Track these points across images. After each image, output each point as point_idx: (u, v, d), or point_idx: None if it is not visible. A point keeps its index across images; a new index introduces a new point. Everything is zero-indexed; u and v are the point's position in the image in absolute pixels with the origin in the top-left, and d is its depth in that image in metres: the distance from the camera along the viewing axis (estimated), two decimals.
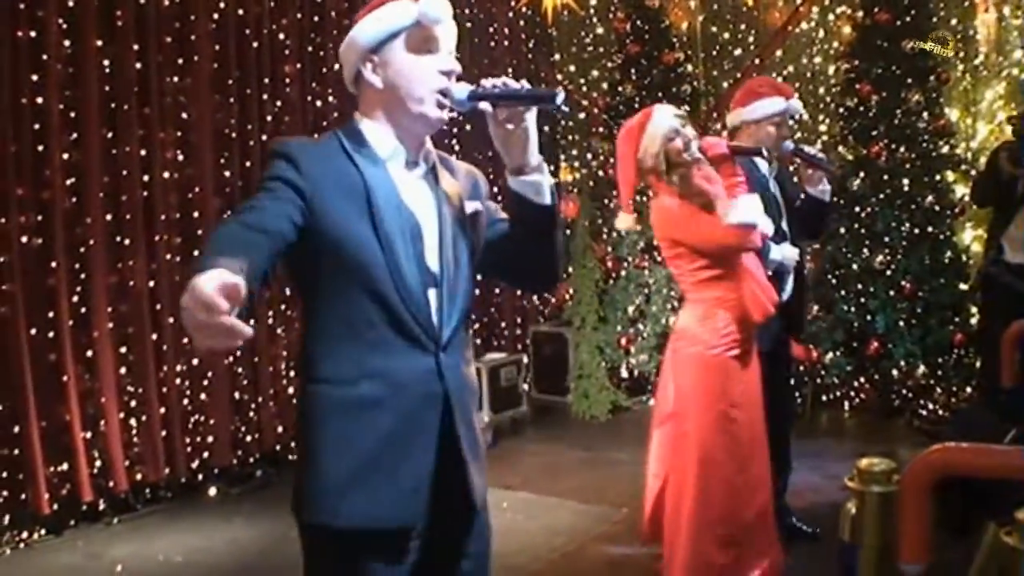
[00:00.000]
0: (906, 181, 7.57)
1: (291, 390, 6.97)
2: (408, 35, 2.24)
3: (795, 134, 8.80)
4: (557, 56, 10.12)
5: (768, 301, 4.03)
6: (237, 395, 6.61)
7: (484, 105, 2.20)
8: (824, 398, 7.75)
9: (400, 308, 2.19)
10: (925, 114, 7.66)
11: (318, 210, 2.15)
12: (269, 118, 6.84)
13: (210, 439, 6.39)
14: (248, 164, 6.67)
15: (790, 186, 4.91)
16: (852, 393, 7.68)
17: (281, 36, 6.98)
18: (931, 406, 7.14)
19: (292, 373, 7.00)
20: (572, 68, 10.07)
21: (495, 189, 2.58)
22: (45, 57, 5.50)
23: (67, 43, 5.67)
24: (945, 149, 7.73)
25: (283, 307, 6.93)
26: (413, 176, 2.32)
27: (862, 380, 7.61)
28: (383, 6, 2.28)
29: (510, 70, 9.01)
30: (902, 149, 7.61)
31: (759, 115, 4.69)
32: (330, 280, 2.20)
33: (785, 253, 4.53)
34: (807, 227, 4.89)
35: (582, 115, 9.59)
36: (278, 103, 6.95)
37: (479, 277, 2.48)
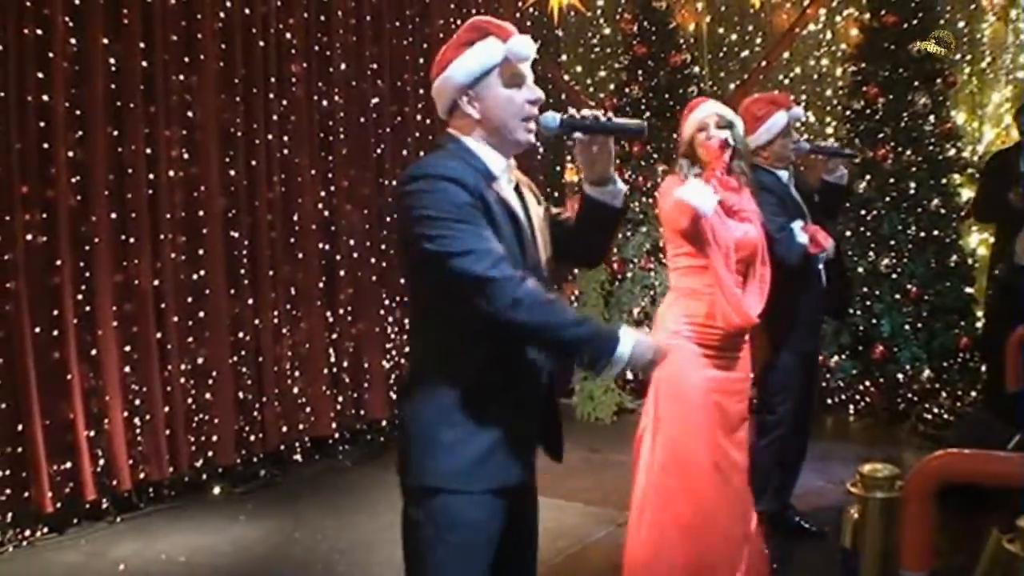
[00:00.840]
0: (912, 184, 7.58)
1: (295, 390, 6.98)
2: (500, 71, 2.48)
3: (802, 136, 8.82)
4: (564, 57, 10.13)
5: (735, 312, 3.96)
6: (241, 394, 6.60)
7: (577, 135, 2.53)
8: (829, 401, 7.74)
9: None
10: (932, 117, 7.68)
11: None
12: (275, 117, 6.84)
13: (214, 438, 6.39)
14: (253, 163, 6.67)
15: (803, 184, 5.01)
16: (857, 396, 7.68)
17: (288, 35, 6.98)
18: (936, 410, 7.11)
19: (297, 373, 7.01)
20: (578, 69, 10.09)
21: None
22: (51, 55, 5.49)
23: (73, 41, 5.66)
24: (951, 152, 7.74)
25: (288, 307, 6.93)
26: (511, 189, 2.56)
27: (867, 383, 7.61)
28: (473, 45, 2.49)
29: None
30: (908, 152, 7.62)
31: (768, 137, 4.77)
32: None
33: (828, 247, 4.67)
34: (828, 210, 5.09)
35: None
36: (284, 103, 6.95)
37: None
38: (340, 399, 7.36)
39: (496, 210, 2.41)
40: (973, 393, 7.27)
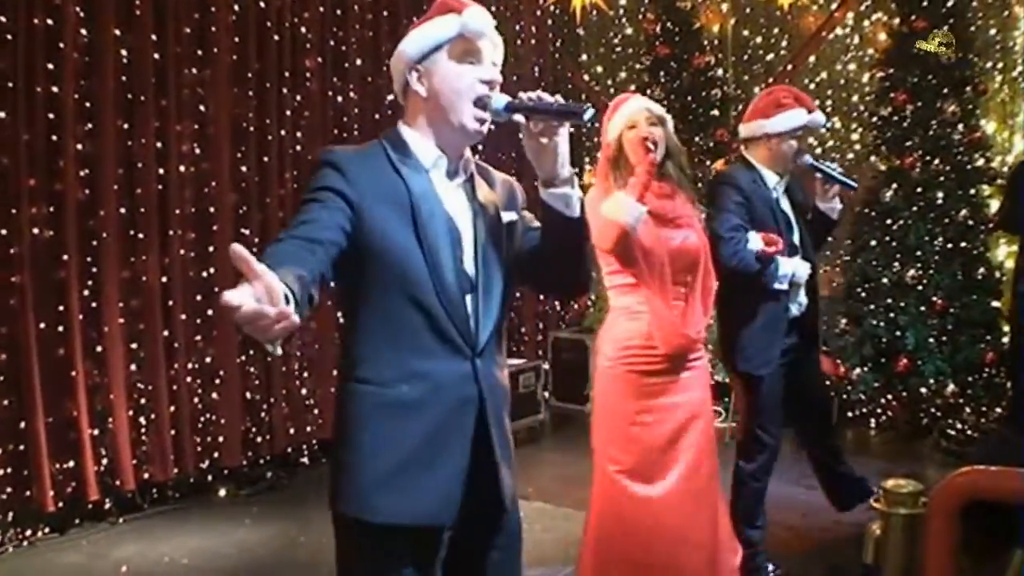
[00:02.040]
0: (940, 194, 7.55)
1: (304, 391, 6.99)
2: (452, 46, 2.39)
3: (827, 143, 8.81)
4: (584, 56, 10.12)
5: (671, 334, 3.85)
6: (248, 395, 6.62)
7: (518, 117, 2.33)
8: (850, 415, 7.71)
9: (441, 315, 2.32)
10: (960, 126, 7.62)
11: (365, 219, 2.28)
12: (288, 113, 6.86)
13: (220, 439, 6.41)
14: (266, 159, 6.69)
15: (801, 197, 4.78)
16: (879, 410, 7.65)
17: (303, 29, 7.01)
18: (960, 426, 7.07)
19: (305, 374, 7.02)
20: (600, 69, 10.08)
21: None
22: (61, 45, 5.52)
23: (84, 32, 5.69)
24: (980, 162, 7.68)
25: None
26: (453, 185, 2.45)
27: (890, 397, 7.57)
28: (430, 20, 2.44)
29: (536, 70, 9.06)
30: (936, 161, 7.59)
31: (782, 128, 4.53)
32: (374, 287, 2.33)
33: (797, 267, 4.40)
34: (816, 242, 4.81)
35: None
36: (298, 98, 6.97)
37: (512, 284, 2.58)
38: None
39: (413, 200, 2.32)
40: (998, 409, 7.23)
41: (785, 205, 4.63)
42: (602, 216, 3.77)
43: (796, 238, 4.59)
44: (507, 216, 2.51)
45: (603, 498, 3.96)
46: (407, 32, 2.51)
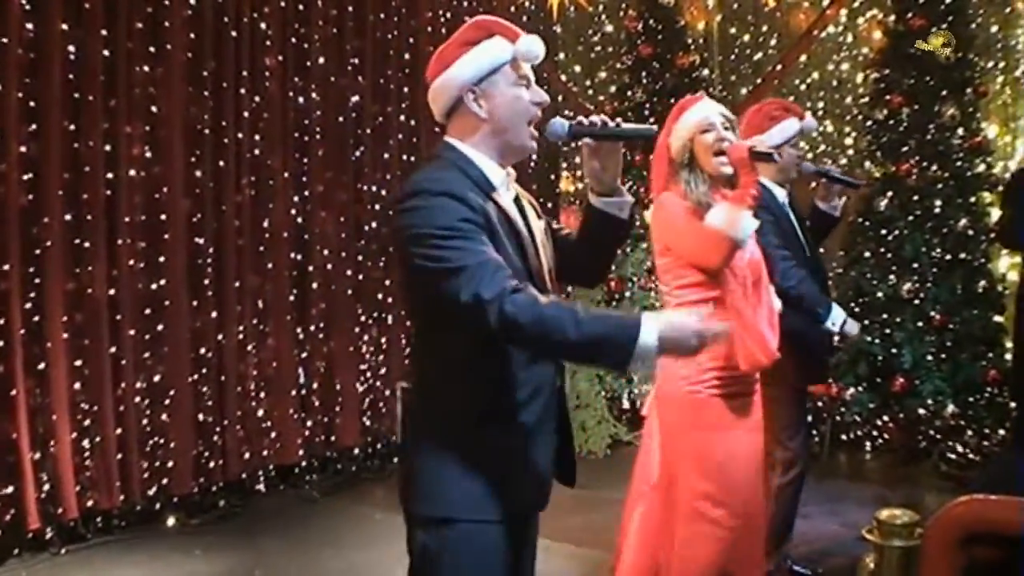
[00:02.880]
0: (938, 202, 7.61)
1: (260, 413, 6.96)
2: (508, 69, 2.59)
3: (820, 147, 8.86)
4: (561, 56, 10.16)
5: (760, 352, 3.84)
6: (201, 416, 6.58)
7: (586, 140, 2.65)
8: (844, 437, 7.76)
9: None
10: (960, 129, 7.70)
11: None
12: (246, 115, 6.85)
13: (170, 464, 6.37)
14: (221, 164, 6.67)
15: (799, 208, 4.99)
16: (875, 433, 7.70)
17: (262, 25, 6.99)
18: (960, 449, 7.14)
19: (262, 394, 7.00)
20: (577, 69, 10.13)
21: None
22: (4, 40, 5.48)
23: (29, 26, 5.65)
24: (981, 168, 7.77)
25: (255, 321, 6.93)
26: (511, 200, 2.65)
27: (886, 419, 7.62)
28: (479, 43, 2.60)
29: None
30: (934, 167, 7.65)
31: (779, 140, 4.71)
32: None
33: (847, 328, 4.71)
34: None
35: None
36: (256, 99, 6.96)
37: None
38: (309, 424, 7.35)
39: (496, 222, 2.48)
40: (1001, 431, 7.29)
41: (795, 220, 4.85)
42: (703, 228, 3.76)
43: (808, 249, 4.82)
44: (547, 222, 2.82)
45: (696, 537, 3.85)
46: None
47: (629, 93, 8.82)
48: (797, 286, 4.55)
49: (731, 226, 3.70)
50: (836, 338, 4.86)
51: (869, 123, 8.06)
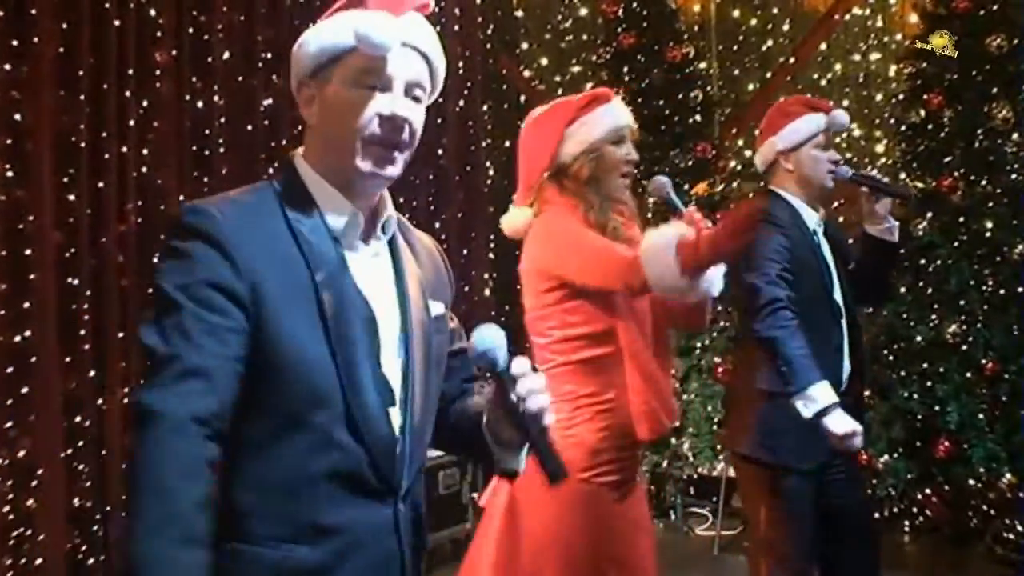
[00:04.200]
0: (988, 224, 7.66)
1: None
2: (347, 61, 2.33)
3: (844, 155, 8.92)
4: (525, 46, 10.19)
5: (665, 415, 3.83)
6: (77, 501, 6.54)
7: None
8: (877, 515, 7.72)
9: (356, 452, 2.26)
10: (1015, 135, 7.74)
11: (260, 324, 2.20)
12: (132, 123, 6.80)
13: (38, 561, 6.31)
14: (101, 185, 6.63)
15: (845, 247, 4.86)
16: (915, 509, 7.73)
17: (152, 12, 6.97)
18: (1020, 528, 7.14)
19: None
20: (544, 62, 10.17)
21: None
22: None
23: None
24: None
25: (143, 382, 6.87)
26: (369, 252, 2.41)
27: (928, 492, 7.64)
28: (332, 16, 2.38)
29: (460, 65, 9.07)
30: (983, 182, 7.69)
31: (796, 140, 4.67)
32: (265, 413, 2.23)
33: (827, 423, 4.18)
34: (870, 287, 4.90)
35: None
36: (145, 103, 6.92)
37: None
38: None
39: (333, 296, 2.27)
40: None
41: (826, 251, 4.71)
42: (611, 246, 3.73)
43: (838, 294, 4.65)
44: (435, 308, 2.51)
45: None
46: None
47: None
48: (772, 330, 4.29)
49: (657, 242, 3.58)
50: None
51: (903, 128, 8.11)
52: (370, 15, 2.28)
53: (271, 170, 7.53)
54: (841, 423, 4.15)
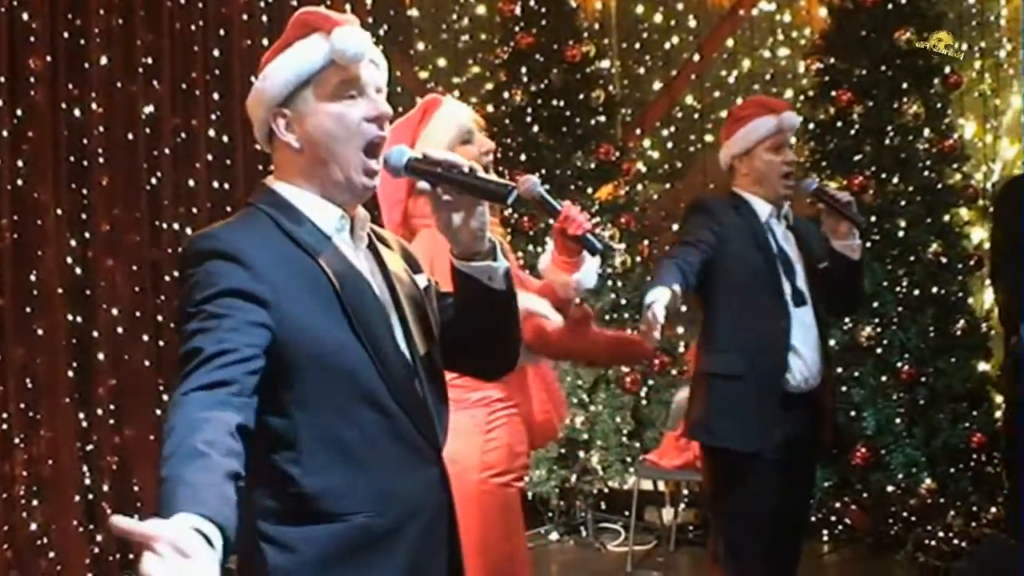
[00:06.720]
0: (902, 223, 7.75)
1: (33, 526, 6.83)
2: (322, 79, 2.52)
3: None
4: (420, 46, 10.19)
5: (558, 419, 4.03)
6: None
7: (422, 184, 2.54)
8: None
9: (401, 417, 2.51)
10: (927, 131, 7.83)
11: (286, 320, 2.36)
12: (5, 134, 6.73)
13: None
14: None
15: (814, 243, 4.97)
16: (833, 518, 7.79)
17: (24, 16, 6.90)
18: (942, 534, 7.20)
19: (35, 502, 6.87)
20: (441, 63, 10.16)
21: None
22: None
23: None
24: (956, 178, 7.89)
25: (22, 406, 6.80)
26: (360, 252, 2.62)
27: (846, 500, 7.72)
28: (293, 46, 2.54)
29: None
30: (895, 179, 7.78)
31: (746, 144, 4.85)
32: (310, 400, 2.42)
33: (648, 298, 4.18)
34: (838, 298, 5.04)
35: None
36: (18, 112, 6.85)
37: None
38: (99, 539, 7.21)
39: (344, 284, 2.45)
40: (992, 509, 7.40)
41: (787, 243, 4.87)
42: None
43: (800, 283, 4.79)
44: (421, 280, 2.73)
45: None
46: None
47: (506, 95, 8.80)
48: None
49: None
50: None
51: (812, 125, 8.17)
52: (338, 33, 2.46)
53: (153, 180, 7.53)
54: (662, 295, 4.16)
